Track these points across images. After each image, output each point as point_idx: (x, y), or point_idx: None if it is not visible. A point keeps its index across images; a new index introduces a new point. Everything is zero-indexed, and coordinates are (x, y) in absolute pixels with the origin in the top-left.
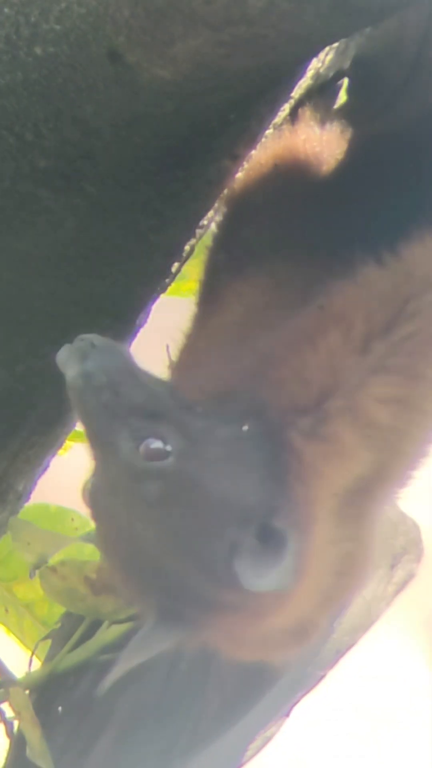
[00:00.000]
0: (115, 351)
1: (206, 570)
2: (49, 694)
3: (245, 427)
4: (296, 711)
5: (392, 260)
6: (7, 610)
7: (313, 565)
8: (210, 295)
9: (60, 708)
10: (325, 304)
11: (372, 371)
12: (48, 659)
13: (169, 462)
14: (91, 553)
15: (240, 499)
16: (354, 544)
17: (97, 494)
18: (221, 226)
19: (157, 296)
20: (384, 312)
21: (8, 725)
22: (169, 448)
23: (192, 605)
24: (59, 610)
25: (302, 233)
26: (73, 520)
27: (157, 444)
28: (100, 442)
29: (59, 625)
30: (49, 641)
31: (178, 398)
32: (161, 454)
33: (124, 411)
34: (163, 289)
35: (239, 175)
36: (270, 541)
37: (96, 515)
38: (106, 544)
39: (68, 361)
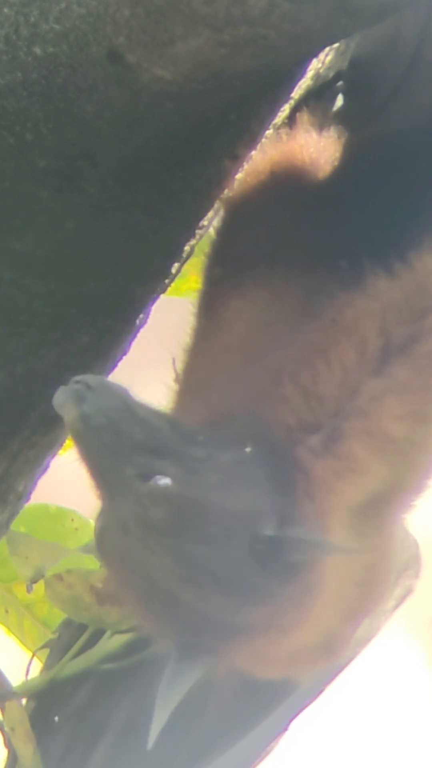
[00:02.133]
0: (111, 390)
1: (227, 592)
2: (47, 702)
3: (248, 449)
4: (296, 721)
5: (403, 270)
6: (7, 611)
7: (332, 578)
8: (209, 310)
9: (56, 717)
10: (337, 317)
11: (389, 390)
12: (47, 668)
13: (175, 492)
14: (90, 563)
15: (251, 517)
16: (374, 555)
17: (106, 536)
18: (219, 234)
19: (157, 296)
20: (399, 326)
21: (7, 736)
22: (175, 483)
23: (215, 633)
24: (59, 611)
25: (301, 243)
26: (72, 520)
27: (165, 481)
28: (105, 482)
29: (57, 635)
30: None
31: (179, 429)
32: (168, 489)
33: (127, 449)
34: (163, 290)
35: (237, 181)
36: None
37: (107, 557)
38: (122, 584)
39: (65, 403)
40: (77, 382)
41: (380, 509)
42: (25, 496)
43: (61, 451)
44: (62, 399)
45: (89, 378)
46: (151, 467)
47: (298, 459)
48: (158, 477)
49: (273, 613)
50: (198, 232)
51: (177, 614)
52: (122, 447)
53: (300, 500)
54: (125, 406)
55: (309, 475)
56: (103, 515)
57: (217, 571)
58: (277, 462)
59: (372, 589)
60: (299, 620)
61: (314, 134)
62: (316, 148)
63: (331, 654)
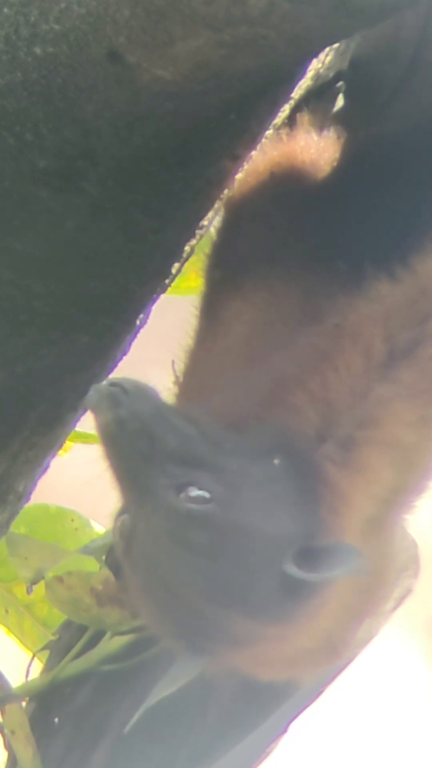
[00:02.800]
0: (146, 395)
1: (251, 612)
2: (47, 703)
3: (276, 461)
4: (296, 722)
5: (405, 274)
6: (7, 611)
7: (337, 590)
8: (210, 311)
9: (56, 719)
10: (341, 322)
11: (397, 395)
12: (47, 669)
13: (210, 507)
14: (90, 565)
15: (284, 539)
16: (375, 558)
17: (132, 538)
18: (219, 234)
19: (157, 296)
20: (404, 330)
21: (7, 738)
22: (208, 495)
23: (221, 640)
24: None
25: (301, 244)
26: (73, 520)
27: (198, 492)
28: (136, 488)
29: (57, 636)
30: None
31: (210, 438)
32: (202, 501)
33: (160, 457)
34: (163, 290)
35: (237, 181)
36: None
37: (128, 558)
38: (137, 585)
39: (100, 405)
40: (113, 384)
41: (384, 515)
42: (25, 496)
43: (61, 452)
44: (96, 400)
45: (125, 381)
46: (185, 478)
47: (321, 471)
48: (191, 489)
49: (285, 627)
50: (198, 232)
51: (189, 621)
52: (156, 454)
53: (325, 516)
54: (158, 411)
55: (332, 488)
56: (129, 517)
57: (245, 592)
58: (303, 475)
59: (373, 590)
60: (302, 626)
61: (314, 135)
62: (316, 149)
63: (332, 655)
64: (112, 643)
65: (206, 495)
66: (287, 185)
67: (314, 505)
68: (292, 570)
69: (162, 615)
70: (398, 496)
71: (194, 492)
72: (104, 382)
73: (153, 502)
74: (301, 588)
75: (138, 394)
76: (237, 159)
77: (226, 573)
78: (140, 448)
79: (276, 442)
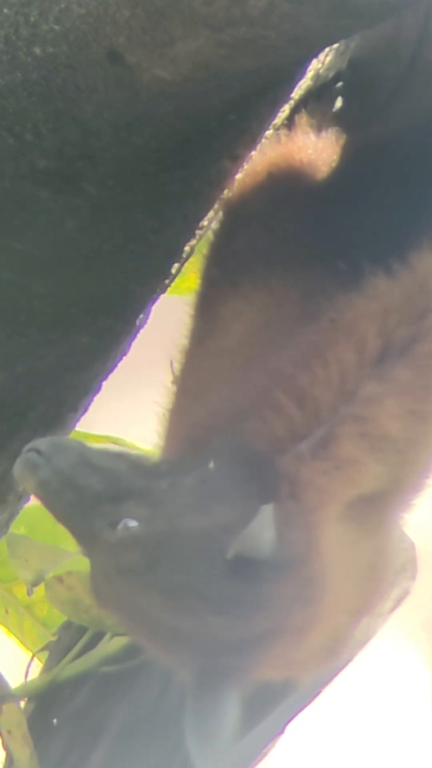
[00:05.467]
0: (63, 448)
1: (219, 609)
2: (46, 704)
3: (211, 465)
4: (293, 723)
5: (403, 271)
6: (7, 611)
7: (336, 579)
8: (207, 311)
9: (55, 719)
10: (336, 317)
11: (388, 391)
12: (46, 670)
13: (139, 528)
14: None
15: (221, 531)
16: (374, 554)
17: (96, 585)
18: (217, 235)
19: (157, 297)
20: (400, 327)
21: (4, 738)
22: (137, 521)
23: (232, 652)
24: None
25: (299, 244)
26: None
27: (132, 524)
28: (79, 537)
29: (57, 637)
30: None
31: (139, 467)
32: (134, 527)
33: (91, 502)
34: (163, 290)
35: (235, 182)
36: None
37: (104, 605)
38: (127, 626)
39: (23, 474)
40: (28, 450)
41: (381, 506)
42: (24, 496)
43: None
44: (19, 470)
45: (39, 443)
46: (117, 513)
47: (281, 466)
48: (126, 520)
49: (279, 616)
50: (198, 232)
51: (188, 644)
52: (86, 501)
53: (283, 501)
54: (80, 460)
55: (293, 478)
56: (90, 566)
57: (203, 591)
58: (254, 470)
59: (373, 587)
60: (313, 617)
61: (313, 135)
62: (315, 150)
63: (331, 655)
64: (111, 645)
65: (136, 522)
66: (285, 185)
67: (266, 495)
68: (230, 552)
69: (159, 646)
70: (394, 490)
71: (130, 523)
72: (23, 450)
73: (96, 545)
74: (252, 572)
75: (53, 450)
76: (237, 159)
77: (180, 586)
78: (70, 500)
79: (223, 446)
